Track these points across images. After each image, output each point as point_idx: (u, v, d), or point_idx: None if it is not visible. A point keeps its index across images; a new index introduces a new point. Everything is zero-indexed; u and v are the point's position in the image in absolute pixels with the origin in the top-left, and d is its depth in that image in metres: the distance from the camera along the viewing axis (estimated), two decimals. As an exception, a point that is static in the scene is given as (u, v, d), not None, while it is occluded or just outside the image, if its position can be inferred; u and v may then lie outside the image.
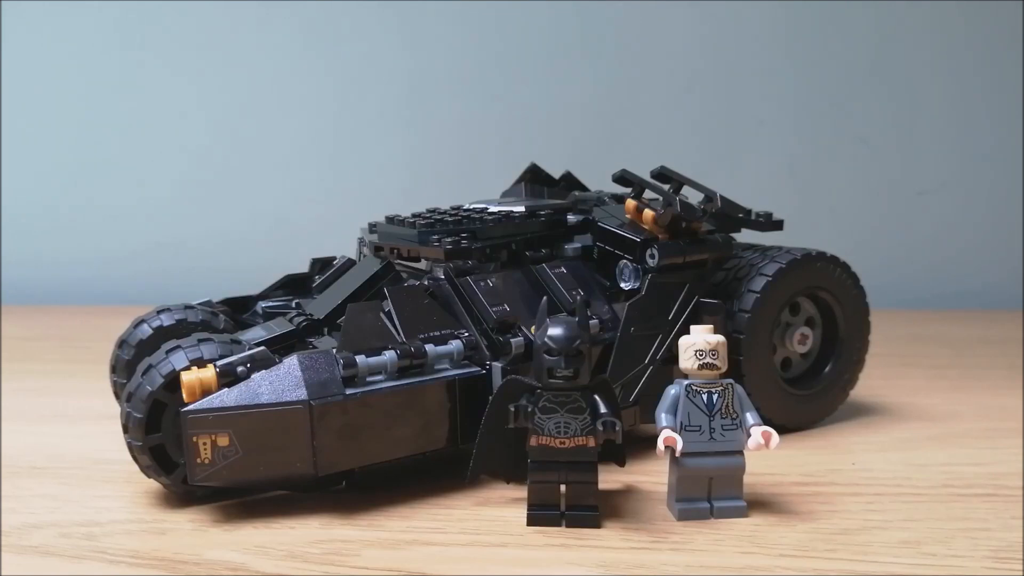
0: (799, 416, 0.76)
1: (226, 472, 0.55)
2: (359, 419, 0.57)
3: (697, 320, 0.68)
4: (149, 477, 0.59)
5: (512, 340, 0.63)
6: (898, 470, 0.67)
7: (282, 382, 0.56)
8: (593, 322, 0.65)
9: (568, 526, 0.56)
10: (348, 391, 0.57)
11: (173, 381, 0.57)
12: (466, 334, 0.63)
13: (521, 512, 0.57)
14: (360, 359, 0.58)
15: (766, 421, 0.58)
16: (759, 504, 0.59)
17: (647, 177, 0.71)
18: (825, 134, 1.44)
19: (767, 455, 0.58)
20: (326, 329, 0.68)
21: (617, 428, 0.54)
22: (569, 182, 0.86)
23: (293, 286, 0.79)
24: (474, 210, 0.76)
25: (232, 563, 0.51)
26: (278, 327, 0.67)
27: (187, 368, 0.57)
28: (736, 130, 1.44)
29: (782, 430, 0.60)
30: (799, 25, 1.41)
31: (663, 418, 0.57)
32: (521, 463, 0.57)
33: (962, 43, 1.41)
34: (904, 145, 1.44)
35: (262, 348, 0.59)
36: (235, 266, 1.28)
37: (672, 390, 0.58)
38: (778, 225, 0.78)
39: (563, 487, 0.56)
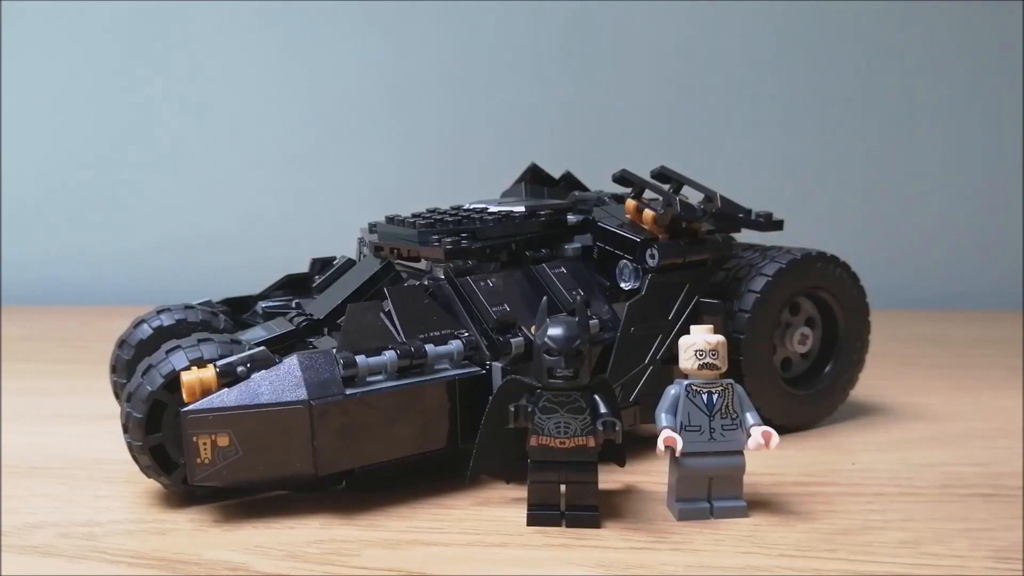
0: (799, 416, 0.76)
1: (226, 472, 0.55)
2: (359, 419, 0.57)
3: (697, 320, 0.68)
4: (149, 477, 0.59)
5: (512, 340, 0.63)
6: (898, 470, 0.67)
7: (282, 382, 0.56)
8: (593, 322, 0.65)
9: (568, 526, 0.56)
10: (348, 391, 0.57)
11: (173, 381, 0.57)
12: (466, 334, 0.63)
13: (521, 512, 0.57)
14: (360, 359, 0.58)
15: (766, 421, 0.58)
16: (759, 504, 0.59)
17: (647, 177, 0.71)
18: (825, 134, 1.44)
19: (767, 455, 0.58)
20: (326, 329, 0.68)
21: (617, 428, 0.54)
22: (569, 182, 0.86)
23: (293, 286, 0.79)
24: (474, 210, 0.76)
25: (232, 563, 0.51)
26: (278, 327, 0.67)
27: (187, 368, 0.57)
28: (736, 130, 1.44)
29: (782, 430, 0.60)
30: (799, 25, 1.41)
31: (663, 418, 0.57)
32: (521, 463, 0.57)
33: (962, 43, 1.41)
34: (904, 145, 1.44)
35: (262, 348, 0.59)
36: (235, 266, 1.28)
37: (672, 390, 0.58)
38: (778, 225, 0.78)
39: (563, 487, 0.56)
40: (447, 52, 1.43)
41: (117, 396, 0.71)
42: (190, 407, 0.55)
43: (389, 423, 0.59)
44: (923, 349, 1.13)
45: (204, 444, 0.55)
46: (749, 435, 0.56)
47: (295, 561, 0.52)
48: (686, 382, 0.57)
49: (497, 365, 0.62)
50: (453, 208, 0.77)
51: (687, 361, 0.57)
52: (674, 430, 0.56)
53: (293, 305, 0.75)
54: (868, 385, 0.84)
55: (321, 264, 0.81)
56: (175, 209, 1.47)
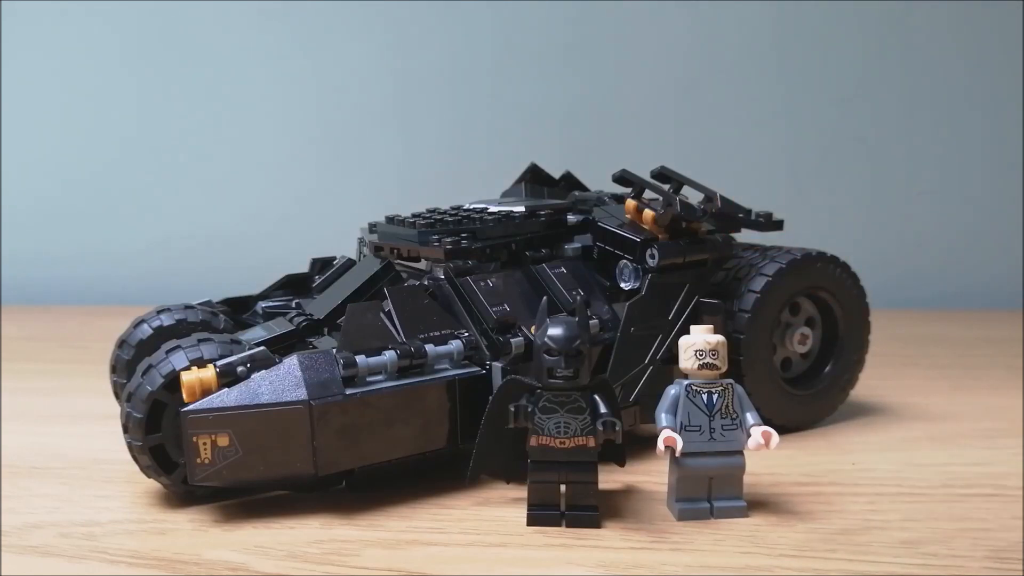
0: (799, 416, 0.76)
1: (226, 472, 0.55)
2: (359, 419, 0.57)
3: (697, 320, 0.68)
4: (149, 477, 0.59)
5: (512, 340, 0.63)
6: (898, 470, 0.67)
7: (282, 382, 0.56)
8: (593, 322, 0.65)
9: (568, 526, 0.56)
10: (348, 391, 0.57)
11: (173, 381, 0.57)
12: (466, 334, 0.63)
13: (521, 512, 0.57)
14: (360, 359, 0.58)
15: (766, 421, 0.58)
16: (759, 504, 0.59)
17: (647, 177, 0.71)
18: (825, 134, 1.44)
19: (767, 455, 0.58)
20: (326, 329, 0.68)
21: (617, 428, 0.54)
22: (569, 182, 0.86)
23: (293, 286, 0.79)
24: (474, 210, 0.76)
25: (232, 563, 0.51)
26: (278, 327, 0.67)
27: (187, 368, 0.57)
28: (736, 130, 1.44)
29: (782, 430, 0.60)
30: (798, 25, 1.41)
31: (663, 418, 0.57)
32: (521, 463, 0.57)
33: (963, 43, 1.41)
34: (904, 145, 1.44)
35: (262, 348, 0.59)
36: (235, 266, 1.28)
37: (672, 390, 0.58)
38: (778, 225, 0.78)
39: (563, 487, 0.56)
40: (447, 52, 1.43)
41: (117, 396, 0.71)
42: (190, 407, 0.55)
43: (389, 423, 0.59)
44: (923, 349, 1.13)
45: (204, 444, 0.55)
46: (749, 435, 0.56)
47: (295, 561, 0.52)
48: (686, 382, 0.57)
49: (497, 365, 0.62)
50: (453, 208, 0.77)
51: (687, 361, 0.57)
52: (674, 430, 0.56)
53: (293, 305, 0.75)
54: (868, 385, 0.84)
55: (321, 264, 0.81)
56: (175, 209, 1.47)
